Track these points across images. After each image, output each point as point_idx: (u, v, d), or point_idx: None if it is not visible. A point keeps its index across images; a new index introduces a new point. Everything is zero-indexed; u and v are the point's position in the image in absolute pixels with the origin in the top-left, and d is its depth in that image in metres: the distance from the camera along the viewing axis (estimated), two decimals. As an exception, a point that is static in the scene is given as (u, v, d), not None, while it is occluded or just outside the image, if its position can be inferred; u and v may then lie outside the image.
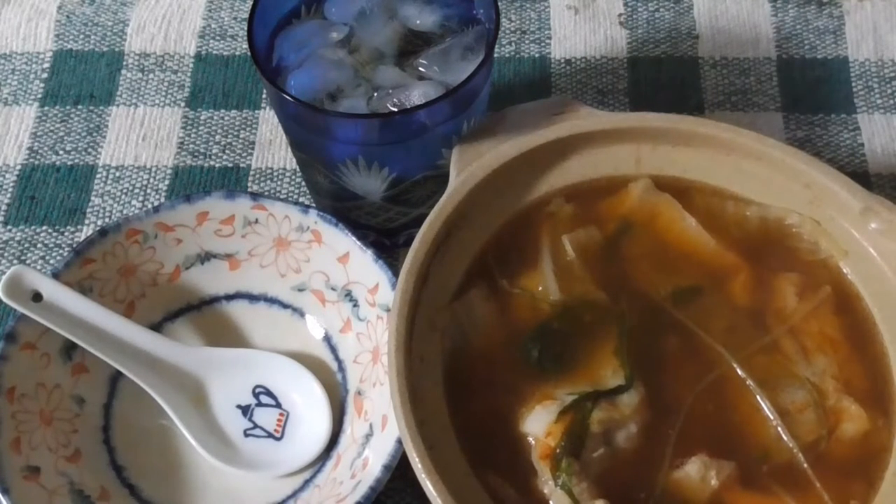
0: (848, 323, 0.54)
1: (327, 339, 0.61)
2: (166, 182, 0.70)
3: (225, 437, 0.59)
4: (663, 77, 0.74)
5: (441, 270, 0.54)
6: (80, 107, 0.73)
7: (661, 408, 0.51)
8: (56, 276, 0.58)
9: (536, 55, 0.75)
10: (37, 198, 0.69)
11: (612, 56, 0.75)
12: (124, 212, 0.68)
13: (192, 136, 0.72)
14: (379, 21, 0.60)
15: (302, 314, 0.62)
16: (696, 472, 0.49)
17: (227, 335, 0.62)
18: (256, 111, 0.73)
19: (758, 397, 0.51)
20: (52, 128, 0.72)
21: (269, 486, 0.57)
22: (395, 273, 0.56)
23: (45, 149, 0.71)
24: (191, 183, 0.70)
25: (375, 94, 0.57)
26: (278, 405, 0.60)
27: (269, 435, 0.59)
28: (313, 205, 0.65)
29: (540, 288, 0.54)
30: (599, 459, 0.49)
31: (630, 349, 0.52)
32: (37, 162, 0.71)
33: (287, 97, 0.55)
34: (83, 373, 0.59)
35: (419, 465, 0.47)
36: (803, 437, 0.50)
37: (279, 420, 0.59)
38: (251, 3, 0.59)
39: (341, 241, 0.60)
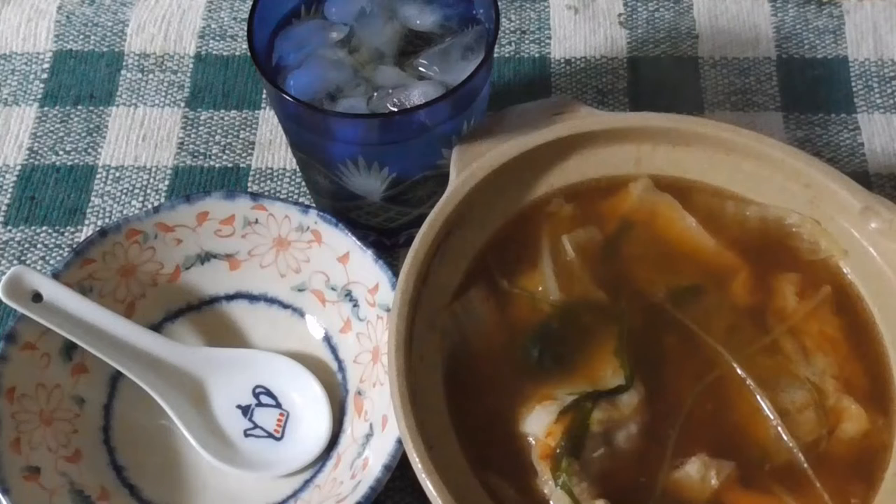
0: (848, 323, 0.54)
1: (327, 339, 0.61)
2: (166, 182, 0.70)
3: (225, 437, 0.59)
4: (663, 77, 0.74)
5: (441, 270, 0.54)
6: (80, 107, 0.73)
7: (661, 408, 0.51)
8: (56, 276, 0.58)
9: (536, 55, 0.75)
10: (37, 198, 0.69)
11: (612, 56, 0.75)
12: (124, 212, 0.68)
13: (192, 136, 0.72)
14: (379, 21, 0.60)
15: (302, 314, 0.62)
16: (696, 472, 0.49)
17: (227, 335, 0.62)
18: (256, 111, 0.73)
19: (758, 397, 0.51)
20: (52, 128, 0.72)
21: (269, 487, 0.57)
22: (395, 273, 0.56)
23: (45, 149, 0.71)
24: (191, 183, 0.70)
25: (375, 94, 0.57)
26: (278, 405, 0.60)
27: (269, 435, 0.59)
28: (313, 205, 0.65)
29: (540, 288, 0.54)
30: (599, 459, 0.49)
31: (630, 349, 0.52)
32: (37, 162, 0.71)
33: (287, 97, 0.55)
34: (83, 373, 0.59)
35: (419, 465, 0.47)
36: (803, 437, 0.50)
37: (279, 420, 0.59)
38: (251, 3, 0.59)
39: (341, 241, 0.60)
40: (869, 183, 0.69)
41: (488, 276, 0.55)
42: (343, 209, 0.62)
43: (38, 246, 0.67)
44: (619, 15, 0.77)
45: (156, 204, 0.67)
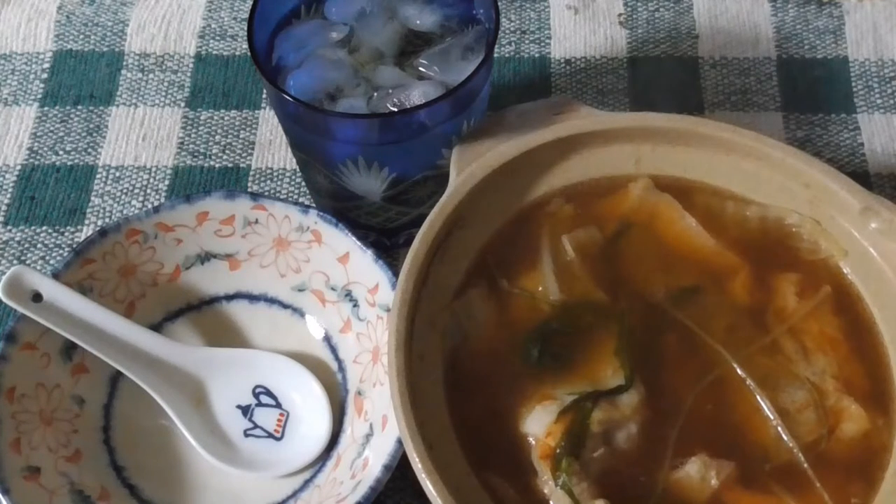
0: (848, 323, 0.54)
1: (327, 339, 0.61)
2: (166, 182, 0.70)
3: (225, 437, 0.59)
4: (663, 77, 0.74)
5: (441, 270, 0.54)
6: (80, 107, 0.73)
7: (661, 408, 0.51)
8: (56, 276, 0.58)
9: (536, 55, 0.75)
10: (37, 198, 0.69)
11: (612, 56, 0.75)
12: (124, 212, 0.68)
13: (192, 136, 0.72)
14: (379, 21, 0.60)
15: (302, 314, 0.62)
16: (696, 472, 0.49)
17: (227, 335, 0.62)
18: (256, 111, 0.73)
19: (758, 397, 0.51)
20: (52, 128, 0.72)
21: (269, 486, 0.57)
22: (395, 273, 0.56)
23: (45, 149, 0.71)
24: (191, 183, 0.70)
25: (375, 94, 0.57)
26: (278, 405, 0.60)
27: (269, 435, 0.59)
28: (313, 205, 0.65)
29: (540, 288, 0.54)
30: (599, 459, 0.49)
31: (630, 349, 0.52)
32: (37, 162, 0.71)
33: (287, 97, 0.55)
34: (83, 373, 0.59)
35: (419, 465, 0.47)
36: (803, 437, 0.50)
37: (279, 420, 0.59)
38: (251, 3, 0.59)
39: (341, 241, 0.60)
40: (869, 183, 0.69)
41: (488, 276, 0.55)
42: (343, 209, 0.62)
43: (38, 246, 0.67)
44: (619, 15, 0.77)
45: (156, 204, 0.67)
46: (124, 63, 0.75)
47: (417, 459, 0.47)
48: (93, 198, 0.69)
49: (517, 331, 0.53)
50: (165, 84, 0.74)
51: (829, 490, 0.49)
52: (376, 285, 0.58)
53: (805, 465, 0.50)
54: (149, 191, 0.69)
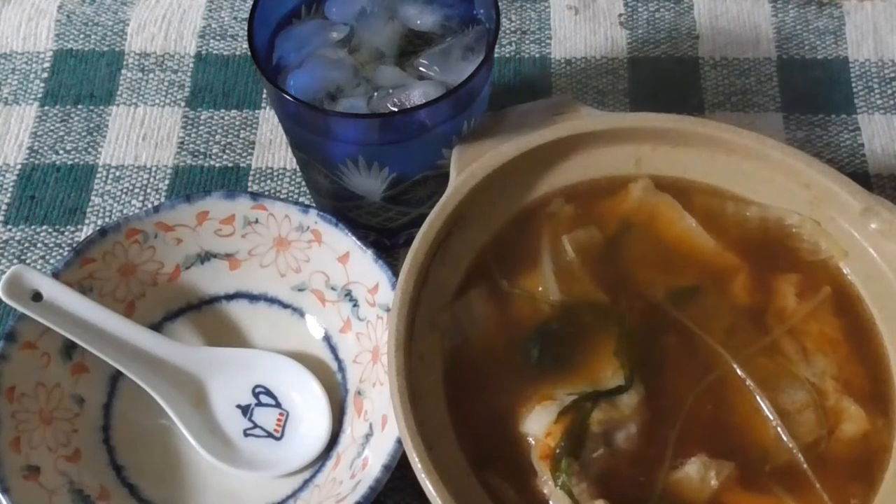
0: (848, 323, 0.54)
1: (327, 338, 0.61)
2: (166, 182, 0.70)
3: (225, 437, 0.59)
4: (663, 77, 0.74)
5: (441, 270, 0.54)
6: (80, 106, 0.73)
7: (661, 408, 0.51)
8: (56, 275, 0.58)
9: (536, 55, 0.75)
10: (37, 197, 0.69)
11: (613, 56, 0.75)
12: (124, 211, 0.68)
13: (192, 135, 0.72)
14: (379, 21, 0.60)
15: (302, 314, 0.62)
16: (696, 472, 0.49)
17: (227, 335, 0.62)
18: (256, 111, 0.73)
19: (758, 398, 0.51)
20: (52, 127, 0.72)
21: (268, 486, 0.57)
22: (395, 273, 0.56)
23: (45, 148, 0.71)
24: (191, 183, 0.70)
25: (375, 94, 0.57)
26: (278, 405, 0.60)
27: (269, 435, 0.59)
28: (313, 205, 0.65)
29: (540, 288, 0.54)
30: (599, 459, 0.49)
31: (630, 349, 0.52)
32: (37, 161, 0.71)
33: (287, 97, 0.55)
34: (83, 372, 0.59)
35: (419, 465, 0.47)
36: (803, 437, 0.50)
37: (279, 420, 0.59)
38: (251, 2, 0.59)
39: (341, 241, 0.60)
40: (869, 184, 0.69)
41: (488, 276, 0.55)
42: (343, 209, 0.62)
43: (38, 245, 0.67)
44: (620, 15, 0.77)
45: (156, 203, 0.67)
46: (124, 63, 0.75)
47: (417, 459, 0.47)
48: (93, 197, 0.69)
49: (517, 331, 0.53)
50: (166, 84, 0.74)
51: (829, 491, 0.49)
52: (376, 285, 0.58)
53: (805, 466, 0.50)
54: (149, 190, 0.69)
